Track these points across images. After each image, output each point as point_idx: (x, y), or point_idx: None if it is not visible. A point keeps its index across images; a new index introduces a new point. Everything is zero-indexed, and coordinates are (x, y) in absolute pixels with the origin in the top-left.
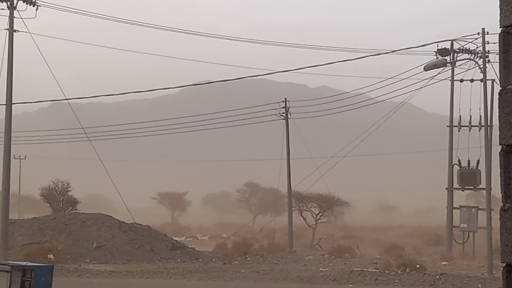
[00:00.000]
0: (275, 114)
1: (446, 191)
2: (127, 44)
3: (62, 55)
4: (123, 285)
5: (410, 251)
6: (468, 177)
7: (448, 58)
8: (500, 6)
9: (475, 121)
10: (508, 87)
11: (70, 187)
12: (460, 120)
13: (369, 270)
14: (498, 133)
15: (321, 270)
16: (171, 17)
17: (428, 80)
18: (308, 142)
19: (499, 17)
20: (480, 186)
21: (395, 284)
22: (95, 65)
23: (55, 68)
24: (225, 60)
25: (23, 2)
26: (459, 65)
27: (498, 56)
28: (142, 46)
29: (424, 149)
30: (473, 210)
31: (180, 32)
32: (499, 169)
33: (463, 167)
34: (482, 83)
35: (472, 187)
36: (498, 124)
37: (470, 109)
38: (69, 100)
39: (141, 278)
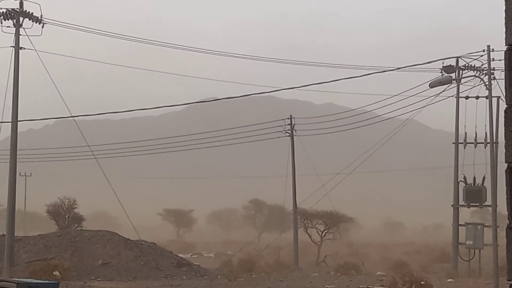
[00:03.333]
0: (280, 131)
1: (452, 208)
2: (132, 62)
3: (68, 72)
4: None
5: (416, 268)
6: (474, 194)
7: (453, 75)
8: (505, 24)
9: (480, 138)
10: None
11: (76, 204)
12: (465, 137)
13: (374, 287)
14: (504, 150)
15: (327, 287)
16: (176, 35)
17: (433, 97)
18: (314, 159)
19: (504, 35)
20: (486, 203)
21: None
22: (100, 83)
23: (60, 85)
24: (230, 78)
25: (29, 20)
26: (464, 82)
27: (503, 73)
28: (147, 64)
29: (430, 166)
30: (479, 227)
31: (185, 49)
32: (505, 186)
33: (469, 184)
34: (488, 100)
35: (477, 204)
36: (503, 141)
37: (476, 126)
38: (74, 118)
39: None
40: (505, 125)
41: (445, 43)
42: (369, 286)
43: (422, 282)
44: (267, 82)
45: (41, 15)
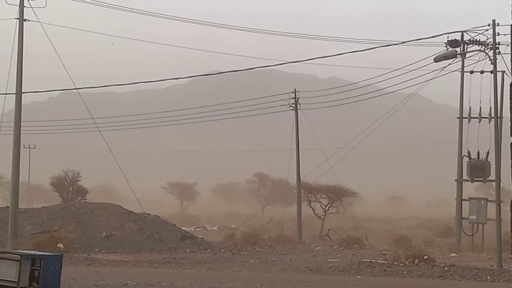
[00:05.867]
0: (284, 105)
1: (456, 182)
2: (136, 33)
3: (72, 43)
4: (132, 274)
5: (419, 243)
6: (478, 169)
7: (458, 49)
8: None
9: (485, 113)
10: None
11: (80, 177)
12: (470, 111)
13: (378, 261)
14: (509, 124)
15: (330, 261)
16: (179, 4)
17: (438, 71)
18: (318, 133)
19: (510, 9)
20: (490, 178)
21: (404, 275)
22: (103, 53)
23: (64, 57)
24: (235, 51)
25: None
26: (469, 57)
27: (508, 47)
28: (151, 34)
29: (434, 141)
30: (482, 202)
31: (189, 22)
32: (509, 161)
33: (473, 159)
34: (492, 74)
35: (481, 179)
36: (508, 115)
37: (480, 101)
38: (78, 90)
39: (150, 268)
40: (510, 99)
41: (450, 17)
42: (372, 260)
43: (425, 257)
44: (272, 55)
45: None
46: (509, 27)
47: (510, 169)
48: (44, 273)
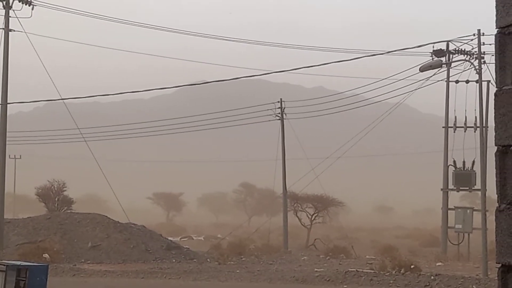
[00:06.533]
0: (270, 115)
1: (441, 192)
2: (122, 44)
3: (57, 54)
4: (118, 284)
5: (405, 252)
6: (463, 178)
7: (443, 59)
8: (496, 7)
9: (470, 122)
10: (504, 88)
11: (65, 187)
12: (455, 121)
13: (364, 270)
14: (494, 134)
15: (316, 271)
16: (166, 16)
17: (423, 81)
18: (304, 143)
19: (495, 18)
20: (475, 187)
21: (390, 284)
22: (89, 64)
23: (50, 67)
24: (220, 61)
25: (19, 2)
26: (454, 66)
27: (493, 57)
28: (137, 45)
29: (420, 150)
30: (468, 211)
31: (174, 32)
32: (494, 170)
33: (458, 168)
34: (478, 84)
35: (467, 188)
36: (493, 125)
37: (466, 110)
38: (64, 100)
39: (136, 278)
40: (495, 109)
41: (435, 26)
42: (358, 270)
43: (412, 266)
44: (257, 65)
45: None
46: (494, 37)
47: (495, 179)
48: (29, 284)
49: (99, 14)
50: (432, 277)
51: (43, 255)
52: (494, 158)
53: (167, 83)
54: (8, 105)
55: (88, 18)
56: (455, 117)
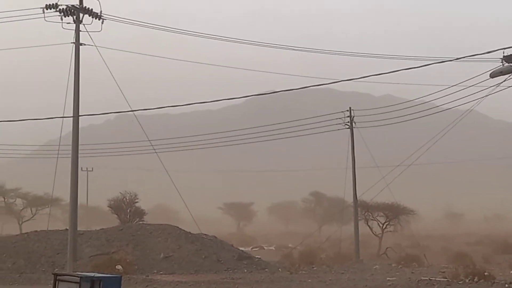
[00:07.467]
0: (340, 124)
1: None
2: (189, 55)
3: (127, 67)
4: None
5: (478, 259)
6: None
7: None
8: None
9: None
10: None
11: (137, 199)
12: None
13: (437, 279)
14: None
15: (388, 280)
16: (231, 27)
17: (494, 87)
18: (373, 151)
19: None
20: None
21: None
22: (155, 75)
23: (120, 80)
24: (288, 70)
25: (89, 16)
26: None
27: None
28: (206, 56)
29: (490, 156)
30: None
31: (239, 42)
32: None
33: None
34: None
35: None
36: None
37: None
38: (134, 112)
39: None
40: None
41: (506, 32)
42: (431, 278)
43: (486, 273)
44: (326, 74)
45: (101, 11)
46: None
47: None
48: None
49: (165, 25)
50: (506, 285)
51: (116, 266)
52: None
53: (233, 94)
54: (79, 118)
55: (155, 30)
56: None
